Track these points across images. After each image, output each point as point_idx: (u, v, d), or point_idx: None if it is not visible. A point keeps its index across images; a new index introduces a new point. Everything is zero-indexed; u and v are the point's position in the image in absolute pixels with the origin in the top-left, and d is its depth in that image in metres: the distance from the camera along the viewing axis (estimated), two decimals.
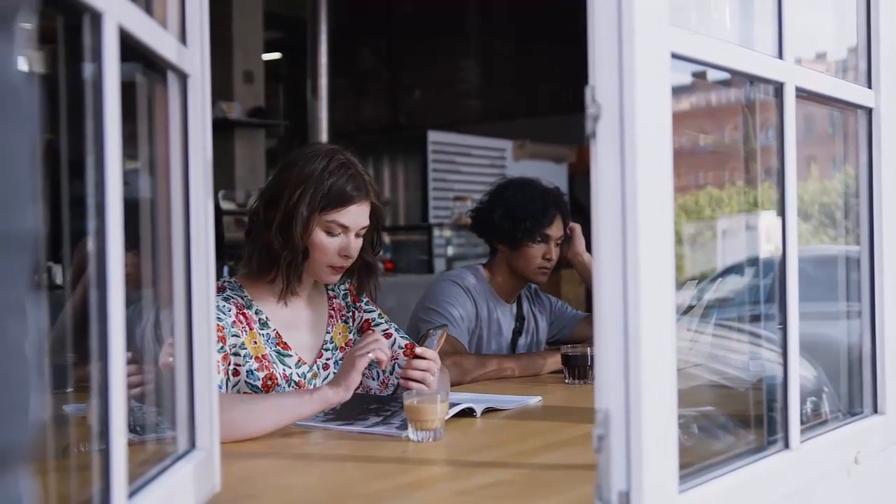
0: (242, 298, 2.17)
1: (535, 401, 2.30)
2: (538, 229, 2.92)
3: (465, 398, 2.15)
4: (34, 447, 0.57)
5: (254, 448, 1.81)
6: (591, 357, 2.60)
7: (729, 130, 2.08)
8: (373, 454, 1.75)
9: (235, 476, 1.53)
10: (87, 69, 1.00)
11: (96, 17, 0.98)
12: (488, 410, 2.13)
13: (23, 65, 0.59)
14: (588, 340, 2.86)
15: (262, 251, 2.15)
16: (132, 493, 1.08)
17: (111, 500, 0.98)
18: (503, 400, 2.24)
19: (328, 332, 2.29)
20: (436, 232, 7.41)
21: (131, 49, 1.09)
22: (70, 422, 1.38)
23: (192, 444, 1.35)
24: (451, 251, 7.45)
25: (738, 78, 1.59)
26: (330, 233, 2.13)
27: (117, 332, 1.00)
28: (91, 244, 1.00)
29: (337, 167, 2.13)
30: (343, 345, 2.30)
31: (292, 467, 1.70)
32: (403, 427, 1.87)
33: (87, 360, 1.05)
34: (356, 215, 2.15)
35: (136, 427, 1.33)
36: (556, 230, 2.96)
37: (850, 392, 1.84)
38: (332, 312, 2.32)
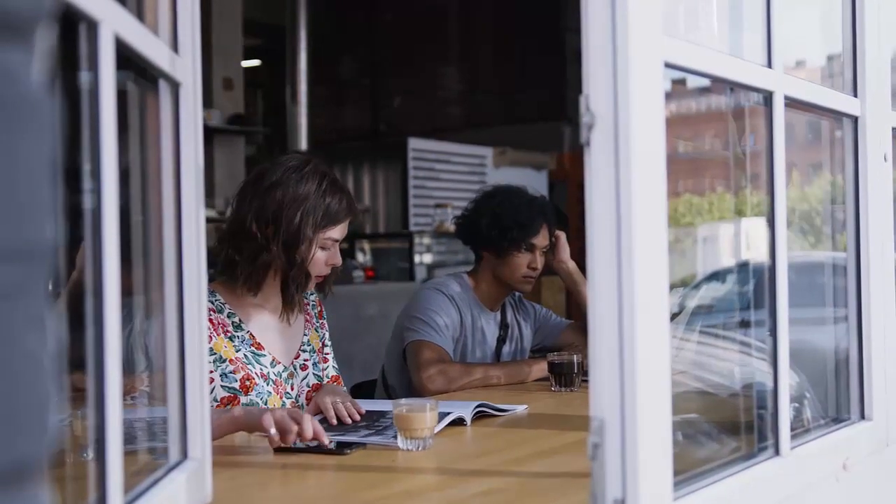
0: (213, 303, 2.21)
1: (521, 409, 2.30)
2: (525, 239, 2.92)
3: (454, 406, 2.15)
4: (51, 459, 0.57)
5: (245, 459, 1.80)
6: (578, 364, 2.60)
7: (709, 138, 2.10)
8: (363, 464, 1.74)
9: (227, 487, 1.52)
10: (83, 77, 0.99)
11: (92, 26, 0.97)
12: (479, 415, 2.14)
13: (41, 75, 0.59)
14: (572, 348, 2.86)
15: (261, 269, 2.20)
16: None
17: None
18: (492, 405, 2.24)
19: (305, 335, 2.37)
20: (416, 239, 7.39)
21: (123, 57, 1.08)
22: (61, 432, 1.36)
23: (184, 455, 1.34)
24: (431, 259, 7.44)
25: (719, 85, 1.60)
26: (324, 248, 2.24)
27: (113, 342, 0.99)
28: (87, 253, 0.99)
29: (329, 186, 2.24)
30: (317, 349, 2.39)
31: (283, 478, 1.70)
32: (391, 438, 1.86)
33: (73, 369, 1.05)
34: (345, 228, 2.28)
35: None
36: (542, 240, 2.96)
37: (838, 398, 1.86)
38: (308, 317, 2.41)
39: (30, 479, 0.54)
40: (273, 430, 1.75)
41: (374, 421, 2.08)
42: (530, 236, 2.93)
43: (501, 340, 3.07)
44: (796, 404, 1.78)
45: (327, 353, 2.45)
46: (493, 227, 2.93)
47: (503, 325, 3.09)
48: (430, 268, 7.29)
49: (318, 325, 2.43)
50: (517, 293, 3.13)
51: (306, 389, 2.31)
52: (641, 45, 1.16)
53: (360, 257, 7.38)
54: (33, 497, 0.55)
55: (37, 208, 0.56)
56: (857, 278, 1.81)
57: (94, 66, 0.98)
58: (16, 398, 0.54)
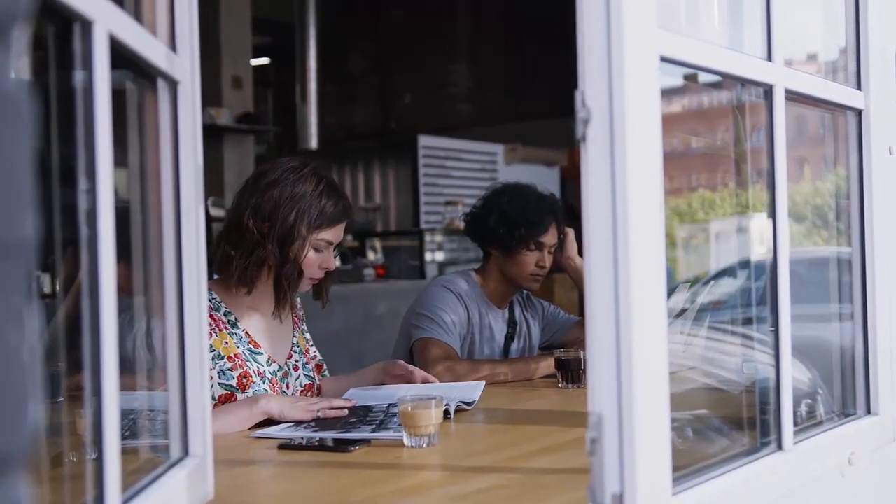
0: (210, 301, 2.22)
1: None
2: (533, 237, 2.91)
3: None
4: (32, 454, 0.58)
5: (247, 455, 1.81)
6: (585, 361, 2.60)
7: (721, 132, 2.09)
8: (367, 460, 1.75)
9: (228, 484, 1.52)
10: (78, 76, 0.99)
11: (87, 25, 0.98)
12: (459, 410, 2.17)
13: (20, 73, 0.59)
14: (581, 344, 2.85)
15: (256, 265, 2.23)
16: (126, 501, 1.08)
17: None
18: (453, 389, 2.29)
19: (294, 336, 2.41)
20: (427, 237, 7.39)
21: (120, 56, 1.09)
22: (62, 431, 1.37)
23: (186, 452, 1.34)
24: (442, 256, 7.44)
25: (729, 80, 1.59)
26: (317, 249, 2.27)
27: (110, 341, 1.00)
28: (83, 253, 1.00)
29: (327, 188, 2.27)
30: (304, 351, 2.43)
31: (286, 475, 1.70)
32: (399, 431, 1.86)
33: (77, 370, 1.05)
34: (340, 232, 2.31)
35: (125, 434, 1.32)
36: (550, 238, 2.95)
37: (843, 393, 1.85)
38: (296, 320, 2.45)
39: (10, 473, 0.55)
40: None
41: (365, 416, 2.08)
42: (539, 234, 2.92)
43: (510, 338, 3.07)
44: (809, 401, 1.77)
45: (315, 351, 2.49)
46: (501, 224, 2.93)
47: (511, 323, 3.09)
48: (441, 265, 7.30)
49: (303, 328, 2.48)
50: (525, 290, 3.13)
51: (299, 389, 2.34)
52: (636, 39, 1.15)
53: (370, 255, 7.39)
54: (13, 490, 0.55)
55: (16, 204, 0.57)
56: (862, 272, 1.80)
57: (88, 65, 0.99)
58: None
